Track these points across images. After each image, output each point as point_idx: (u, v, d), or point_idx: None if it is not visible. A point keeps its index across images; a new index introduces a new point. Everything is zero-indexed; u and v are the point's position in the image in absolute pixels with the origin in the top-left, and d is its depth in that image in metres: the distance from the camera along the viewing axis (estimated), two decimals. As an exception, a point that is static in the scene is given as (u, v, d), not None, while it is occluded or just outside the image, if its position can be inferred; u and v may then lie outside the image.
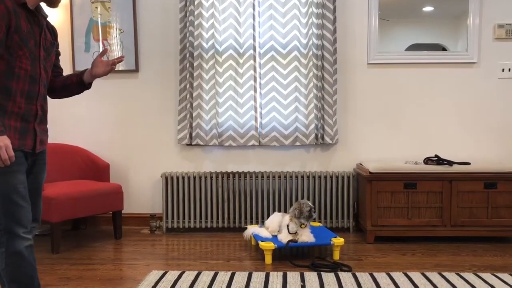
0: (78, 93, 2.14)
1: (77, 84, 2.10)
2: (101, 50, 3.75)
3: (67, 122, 3.88)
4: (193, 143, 3.71)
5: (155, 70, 3.82)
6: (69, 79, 2.11)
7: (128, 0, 3.74)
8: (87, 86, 2.12)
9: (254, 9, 3.64)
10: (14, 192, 1.83)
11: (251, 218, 3.71)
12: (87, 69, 2.11)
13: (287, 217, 3.08)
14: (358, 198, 3.71)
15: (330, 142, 3.66)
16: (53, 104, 3.86)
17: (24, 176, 1.88)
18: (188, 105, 3.69)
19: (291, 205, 3.55)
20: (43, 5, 1.96)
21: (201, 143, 3.70)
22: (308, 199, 3.67)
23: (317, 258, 2.98)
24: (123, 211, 3.87)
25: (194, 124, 3.70)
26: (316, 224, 3.44)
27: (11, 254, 1.85)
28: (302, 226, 3.00)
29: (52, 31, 2.04)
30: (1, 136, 1.73)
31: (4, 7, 1.75)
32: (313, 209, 3.01)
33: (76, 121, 3.88)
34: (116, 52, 3.78)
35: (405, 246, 3.31)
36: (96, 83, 3.83)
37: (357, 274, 2.69)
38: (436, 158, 3.43)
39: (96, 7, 3.76)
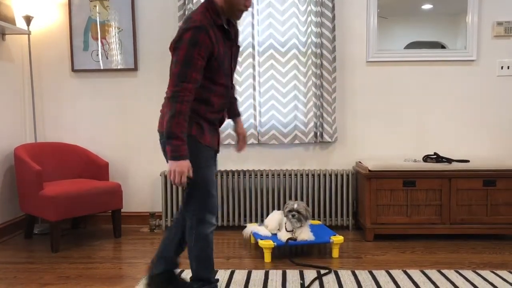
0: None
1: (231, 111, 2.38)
2: (99, 49, 3.75)
3: (66, 121, 3.88)
4: (192, 142, 3.71)
5: (154, 68, 3.82)
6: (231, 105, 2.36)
7: (126, -1, 3.74)
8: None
9: (252, 7, 3.63)
10: (211, 184, 2.07)
11: (251, 216, 3.72)
12: (238, 117, 2.40)
13: (286, 215, 3.08)
14: (357, 196, 3.71)
15: (329, 140, 3.66)
16: (51, 103, 3.86)
17: (213, 169, 2.13)
18: (187, 104, 3.68)
19: (290, 203, 3.56)
20: None
21: (200, 142, 3.70)
22: (308, 197, 3.68)
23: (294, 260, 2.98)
24: (122, 210, 3.88)
25: (193, 122, 3.70)
26: (316, 222, 3.44)
27: (201, 238, 2.09)
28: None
29: (237, 34, 2.19)
30: (184, 161, 1.90)
31: (209, 41, 1.90)
32: (296, 213, 2.94)
33: (75, 120, 3.87)
34: (115, 50, 3.77)
35: (405, 243, 3.31)
36: (95, 82, 3.83)
37: (357, 272, 2.69)
38: (435, 156, 3.43)
39: (95, 6, 3.75)
